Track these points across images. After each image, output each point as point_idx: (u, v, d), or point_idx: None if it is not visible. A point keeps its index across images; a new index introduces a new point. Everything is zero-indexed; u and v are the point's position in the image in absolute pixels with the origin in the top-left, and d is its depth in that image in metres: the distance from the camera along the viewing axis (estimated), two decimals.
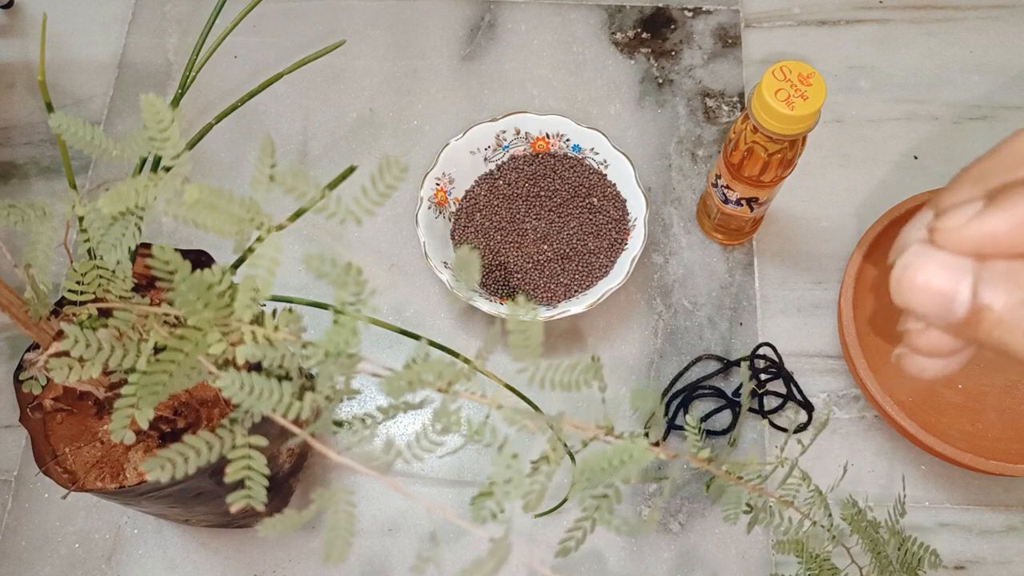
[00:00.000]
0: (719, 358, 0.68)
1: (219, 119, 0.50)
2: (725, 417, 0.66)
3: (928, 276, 0.20)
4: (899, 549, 0.45)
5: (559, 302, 0.66)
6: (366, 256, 0.72)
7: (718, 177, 0.64)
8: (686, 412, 0.66)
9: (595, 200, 0.70)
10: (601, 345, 0.69)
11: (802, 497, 0.41)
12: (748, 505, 0.36)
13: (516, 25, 0.81)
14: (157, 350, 0.32)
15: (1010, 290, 0.19)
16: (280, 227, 0.30)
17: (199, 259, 0.50)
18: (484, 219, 0.69)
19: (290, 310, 0.30)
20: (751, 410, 0.67)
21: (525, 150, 0.71)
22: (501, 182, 0.70)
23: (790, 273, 0.71)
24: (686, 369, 0.68)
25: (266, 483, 0.29)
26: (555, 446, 0.28)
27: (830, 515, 0.42)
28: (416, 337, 0.36)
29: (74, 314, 0.37)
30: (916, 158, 0.75)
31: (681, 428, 0.66)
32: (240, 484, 0.29)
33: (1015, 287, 0.19)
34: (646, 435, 0.26)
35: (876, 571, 0.44)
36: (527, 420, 0.27)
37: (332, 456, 0.28)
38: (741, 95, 0.78)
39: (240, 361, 0.28)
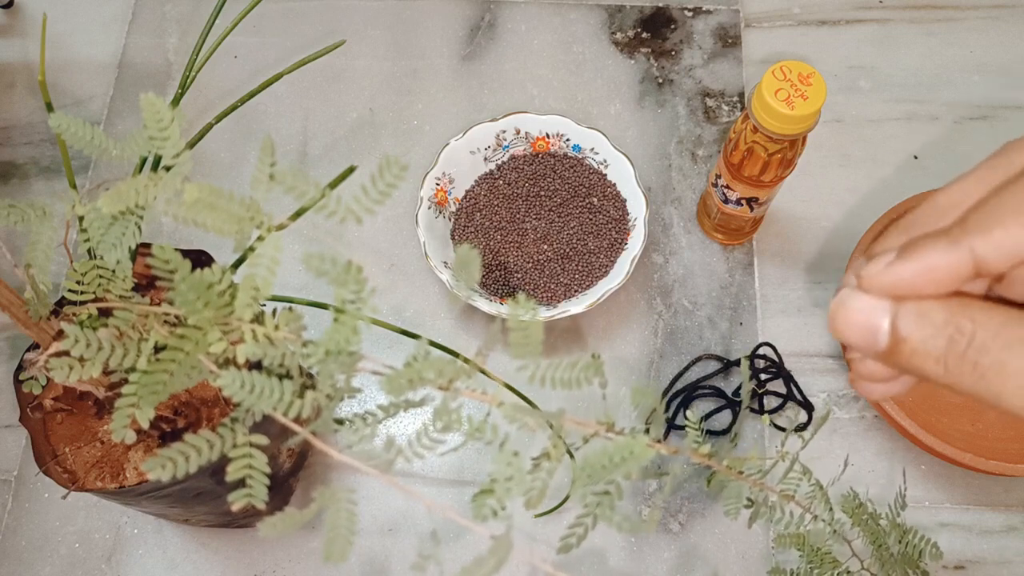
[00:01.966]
0: (719, 358, 0.68)
1: (219, 119, 0.50)
2: (725, 417, 0.66)
3: (854, 314, 0.24)
4: (900, 542, 0.45)
5: (559, 302, 0.66)
6: (366, 256, 0.72)
7: (718, 177, 0.64)
8: (686, 412, 0.66)
9: (595, 200, 0.70)
10: (601, 345, 0.69)
11: (803, 491, 0.41)
12: (749, 500, 0.36)
13: (516, 25, 0.81)
14: (157, 349, 0.32)
15: (920, 326, 0.23)
16: (280, 227, 0.30)
17: (199, 259, 0.50)
18: (484, 219, 0.69)
19: (290, 309, 0.30)
20: (751, 410, 0.67)
21: (525, 150, 0.71)
22: (501, 182, 0.70)
23: (790, 273, 0.71)
24: (686, 369, 0.68)
25: (267, 482, 0.29)
26: (556, 443, 0.28)
27: (831, 509, 0.42)
28: (416, 337, 0.36)
29: (74, 314, 0.37)
30: (916, 158, 0.75)
31: (681, 428, 0.66)
32: (241, 483, 0.29)
33: (924, 324, 0.23)
34: (647, 431, 0.26)
35: (877, 564, 0.44)
36: (528, 418, 0.27)
37: (333, 454, 0.28)
38: (741, 95, 0.78)
39: (240, 360, 0.28)
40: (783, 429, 0.66)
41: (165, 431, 0.48)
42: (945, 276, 0.23)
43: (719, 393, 0.67)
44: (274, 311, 0.30)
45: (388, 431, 0.67)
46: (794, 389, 0.67)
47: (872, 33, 0.81)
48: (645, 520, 0.60)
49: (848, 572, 0.45)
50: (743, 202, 0.64)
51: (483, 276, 0.68)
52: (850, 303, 0.24)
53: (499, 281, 0.67)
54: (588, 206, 0.69)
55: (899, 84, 0.79)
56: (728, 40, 0.80)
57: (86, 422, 0.48)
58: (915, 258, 0.23)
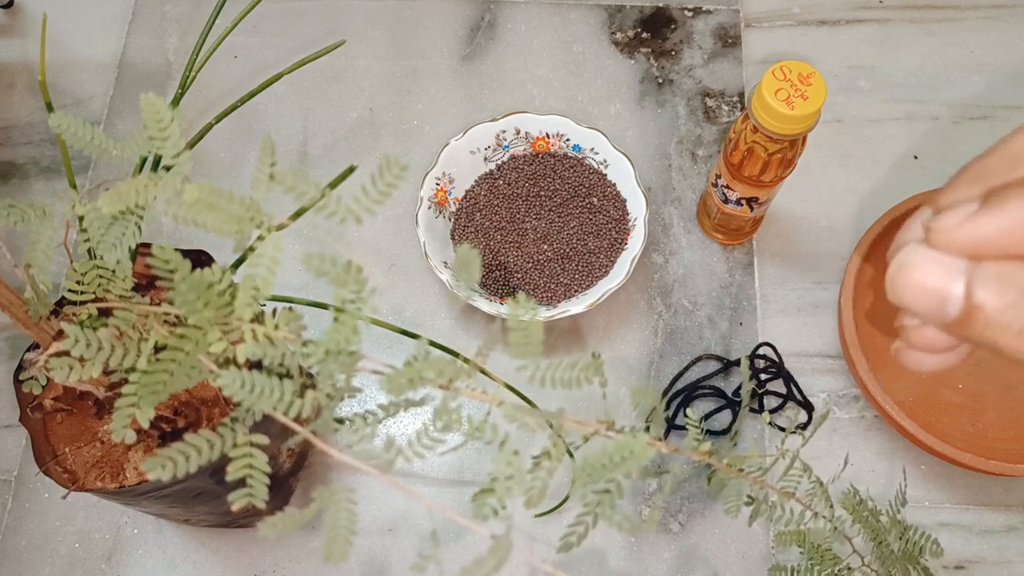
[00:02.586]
0: (719, 358, 0.68)
1: (219, 119, 0.50)
2: (725, 417, 0.66)
3: (922, 276, 0.21)
4: (900, 538, 0.45)
5: (559, 302, 0.66)
6: (366, 256, 0.72)
7: (718, 177, 0.64)
8: (686, 411, 0.66)
9: (595, 200, 0.70)
10: (601, 345, 0.69)
11: (803, 489, 0.41)
12: (749, 497, 0.36)
13: (516, 25, 0.81)
14: (157, 349, 0.32)
15: (1001, 292, 0.20)
16: (280, 227, 0.30)
17: (199, 259, 0.50)
18: (484, 219, 0.69)
19: (290, 309, 0.30)
20: (751, 410, 0.67)
21: (525, 150, 0.71)
22: (501, 182, 0.70)
23: (790, 273, 0.71)
24: (686, 369, 0.68)
25: (267, 481, 0.29)
26: (556, 443, 0.28)
27: (831, 506, 0.42)
28: (416, 337, 0.36)
29: (74, 314, 0.38)
30: (916, 158, 0.75)
31: (681, 428, 0.66)
32: (241, 483, 0.29)
33: (1006, 289, 0.20)
34: (647, 430, 0.26)
35: (877, 561, 0.44)
36: (528, 417, 0.27)
37: (333, 454, 0.28)
38: (741, 95, 0.78)
39: (240, 360, 0.28)
40: (783, 429, 0.66)
41: (165, 431, 0.48)
42: None
43: (719, 393, 0.67)
44: (274, 311, 0.30)
45: (388, 431, 0.67)
46: (794, 389, 0.67)
47: (872, 33, 0.81)
48: (645, 520, 0.60)
49: (849, 569, 0.45)
50: (743, 202, 0.64)
51: (483, 276, 0.68)
52: (917, 261, 0.21)
53: (499, 281, 0.67)
54: (588, 206, 0.69)
55: (899, 84, 0.79)
56: (728, 40, 0.80)
57: (86, 422, 0.48)
58: (1004, 210, 0.19)
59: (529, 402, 0.47)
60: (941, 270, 0.20)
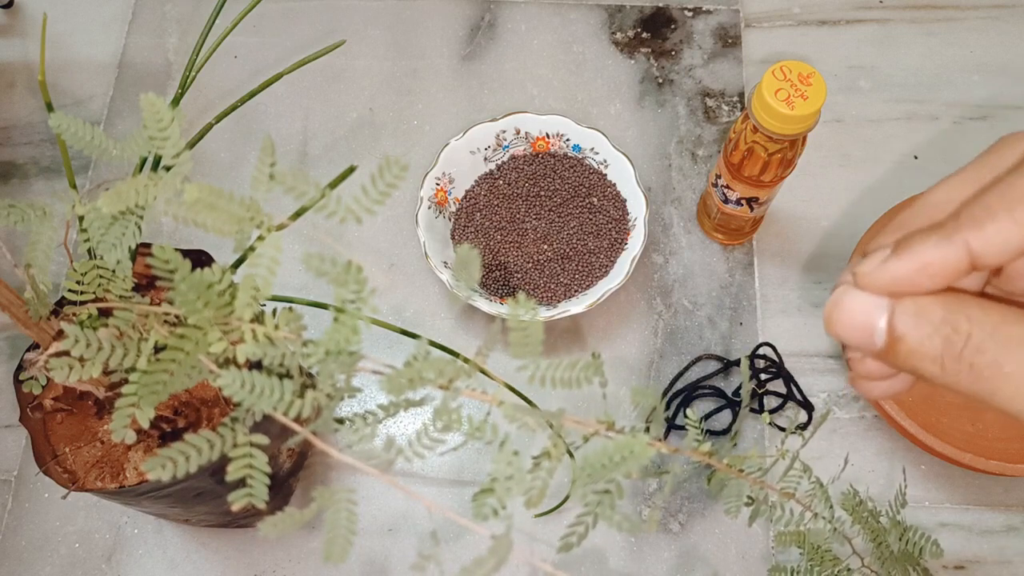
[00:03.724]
0: (719, 358, 0.68)
1: (219, 119, 0.50)
2: (725, 417, 0.66)
3: (851, 312, 0.24)
4: (900, 539, 0.45)
5: (559, 302, 0.66)
6: (366, 256, 0.72)
7: (718, 177, 0.64)
8: (686, 411, 0.66)
9: (595, 200, 0.70)
10: (601, 345, 0.69)
11: (803, 489, 0.41)
12: (749, 498, 0.36)
13: (516, 25, 0.81)
14: (157, 349, 0.32)
15: (917, 324, 0.23)
16: (280, 227, 0.30)
17: (199, 259, 0.50)
18: (484, 219, 0.69)
19: (290, 309, 0.30)
20: (751, 410, 0.67)
21: (525, 150, 0.71)
22: (501, 182, 0.70)
23: (790, 273, 0.71)
24: (686, 369, 0.68)
25: (267, 481, 0.29)
26: (556, 442, 0.28)
27: (831, 507, 0.42)
28: (416, 337, 0.36)
29: (74, 314, 0.38)
30: (916, 158, 0.75)
31: (681, 428, 0.66)
32: (241, 483, 0.29)
33: (922, 322, 0.23)
34: (647, 430, 0.26)
35: (877, 562, 0.44)
36: (528, 417, 0.27)
37: (333, 454, 0.28)
38: (741, 95, 0.78)
39: (241, 360, 0.28)
40: (783, 429, 0.66)
41: (165, 431, 0.48)
42: (940, 271, 0.22)
43: (719, 393, 0.67)
44: (274, 311, 0.30)
45: (388, 431, 0.67)
46: (794, 389, 0.67)
47: (872, 33, 0.81)
48: (645, 520, 0.60)
49: (848, 570, 0.45)
50: (743, 202, 0.64)
51: (483, 276, 0.68)
52: (846, 301, 0.24)
53: (499, 281, 0.67)
54: (588, 206, 0.69)
55: (899, 84, 0.79)
56: (728, 40, 0.80)
57: (86, 422, 0.48)
58: (910, 254, 0.23)
59: (529, 402, 0.47)
60: (867, 307, 0.23)
